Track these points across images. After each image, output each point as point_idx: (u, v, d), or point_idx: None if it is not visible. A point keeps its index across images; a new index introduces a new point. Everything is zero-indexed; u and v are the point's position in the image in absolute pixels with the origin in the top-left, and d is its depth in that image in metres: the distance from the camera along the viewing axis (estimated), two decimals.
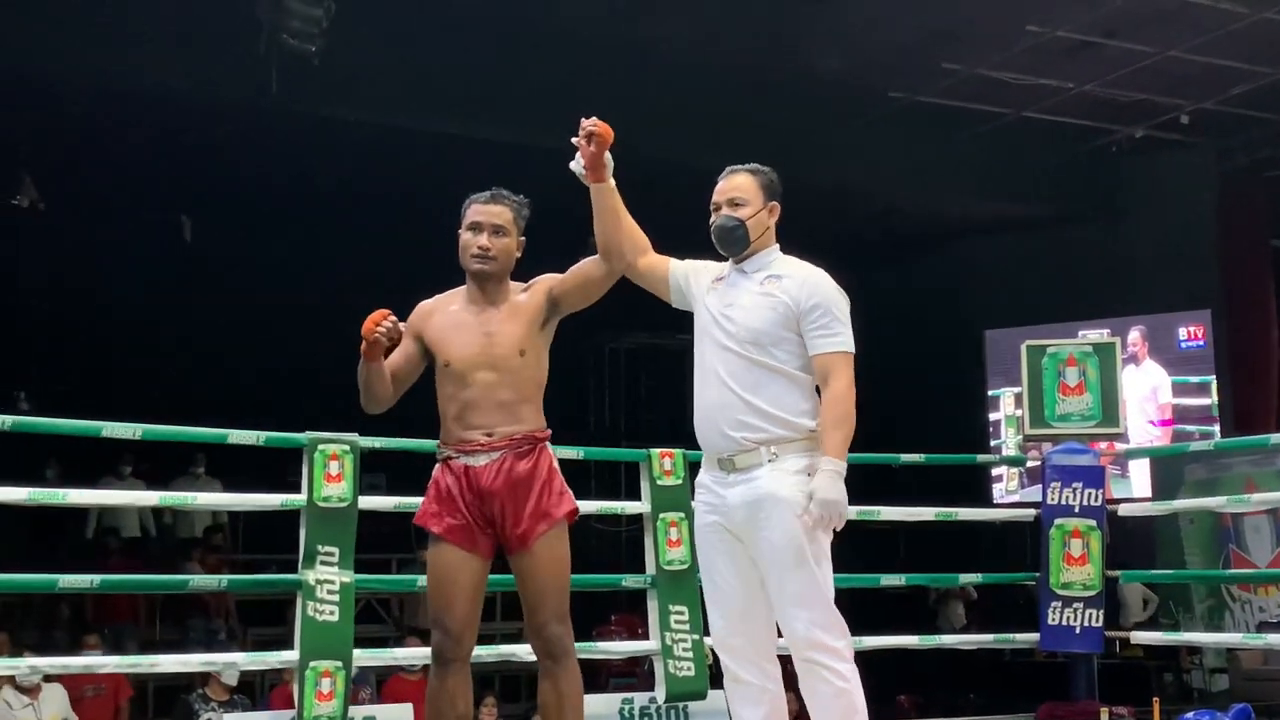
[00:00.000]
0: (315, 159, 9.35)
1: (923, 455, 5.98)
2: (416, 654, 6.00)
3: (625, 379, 13.58)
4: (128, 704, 8.02)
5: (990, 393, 11.11)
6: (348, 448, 4.56)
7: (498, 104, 8.96)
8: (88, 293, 10.89)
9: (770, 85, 9.41)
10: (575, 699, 3.39)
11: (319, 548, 4.48)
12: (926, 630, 8.02)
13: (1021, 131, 10.48)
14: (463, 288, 3.52)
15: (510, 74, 8.84)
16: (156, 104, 8.56)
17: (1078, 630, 5.68)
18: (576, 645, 3.46)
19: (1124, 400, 6.38)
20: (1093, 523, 5.73)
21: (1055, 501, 5.78)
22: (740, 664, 3.44)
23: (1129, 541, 7.67)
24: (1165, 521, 9.52)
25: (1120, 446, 6.41)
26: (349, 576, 4.50)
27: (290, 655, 4.54)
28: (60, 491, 4.68)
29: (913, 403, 10.91)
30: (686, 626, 4.94)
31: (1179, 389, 10.59)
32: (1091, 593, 5.67)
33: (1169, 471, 10.05)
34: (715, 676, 4.05)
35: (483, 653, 4.42)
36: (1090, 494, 5.75)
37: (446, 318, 3.48)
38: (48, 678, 6.89)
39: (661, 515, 5.03)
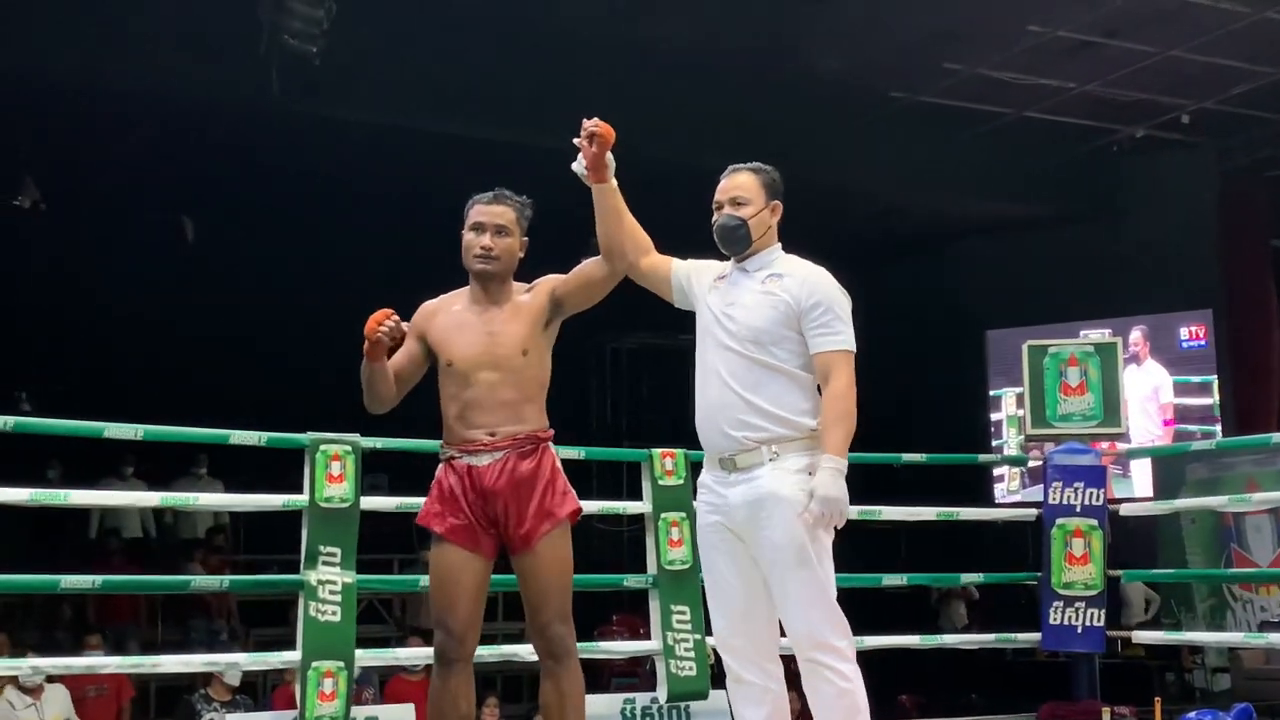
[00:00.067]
0: (316, 159, 9.35)
1: (924, 455, 5.99)
2: (418, 654, 6.01)
3: (627, 379, 13.58)
4: (130, 704, 8.02)
5: (992, 393, 11.11)
6: (349, 448, 4.56)
7: (498, 104, 8.96)
8: (89, 293, 10.89)
9: (771, 85, 9.41)
10: (577, 699, 3.39)
11: (321, 548, 4.48)
12: (928, 630, 8.01)
13: (1022, 131, 10.48)
14: (466, 288, 3.53)
15: (511, 74, 8.84)
16: (158, 104, 8.56)
17: (1079, 630, 5.68)
18: (578, 645, 3.47)
19: (1125, 400, 6.38)
20: (1094, 522, 5.73)
21: (1057, 501, 5.78)
22: (742, 664, 3.44)
23: (1131, 541, 7.68)
24: (1167, 521, 9.51)
25: (1122, 446, 6.41)
26: (351, 577, 4.50)
27: (292, 655, 4.54)
28: (62, 492, 4.69)
29: (914, 402, 10.92)
30: (688, 626, 4.94)
31: (1180, 389, 10.60)
32: (1093, 592, 5.67)
33: (1170, 471, 10.05)
34: (717, 676, 4.06)
35: (485, 653, 4.42)
36: (1092, 494, 5.75)
37: (449, 318, 3.49)
38: (50, 678, 6.90)
39: (663, 515, 5.03)
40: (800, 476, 3.30)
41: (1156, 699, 5.77)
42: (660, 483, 5.07)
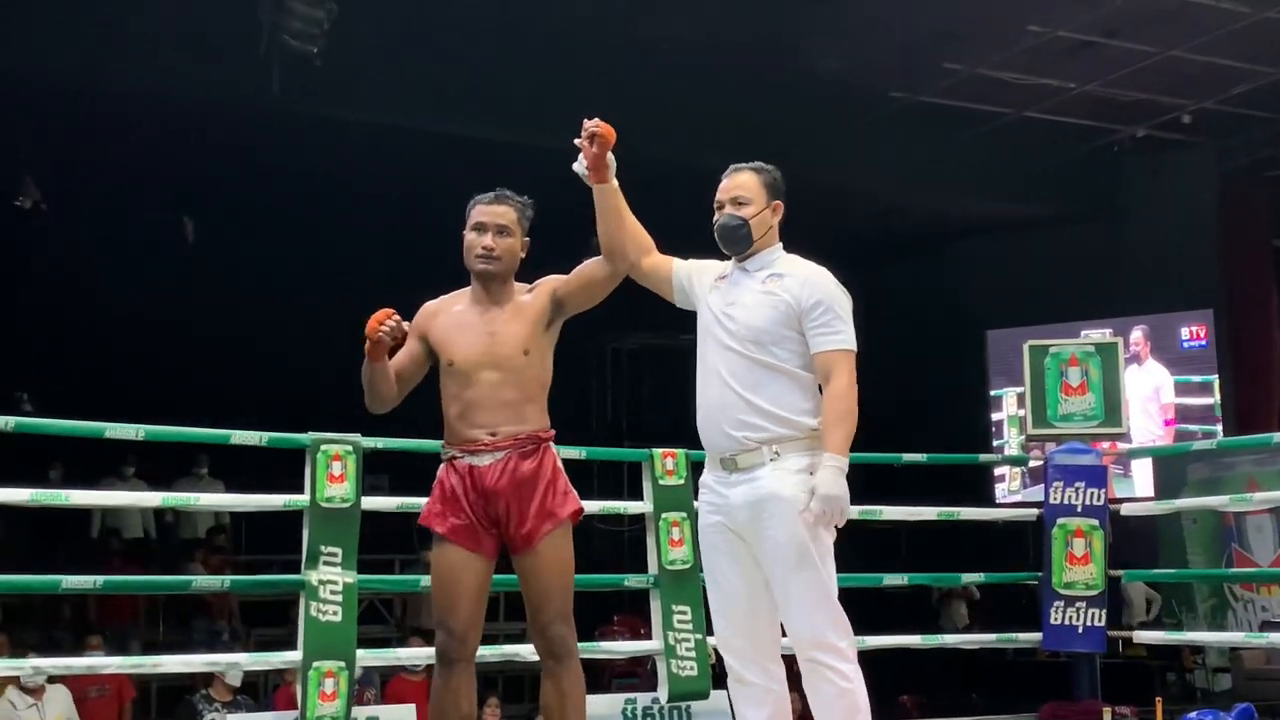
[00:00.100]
0: (317, 159, 9.35)
1: (925, 455, 5.99)
2: (419, 654, 6.01)
3: (628, 379, 13.59)
4: (131, 705, 8.02)
5: (992, 393, 11.11)
6: (350, 448, 4.56)
7: (499, 104, 8.96)
8: (90, 294, 10.89)
9: (771, 85, 9.41)
10: (578, 699, 3.40)
11: (322, 548, 4.49)
12: (929, 630, 8.01)
13: (1023, 131, 10.48)
14: (467, 288, 3.53)
15: (511, 74, 8.85)
16: (158, 105, 8.56)
17: (1080, 630, 5.68)
18: (579, 645, 3.47)
19: (1126, 400, 6.38)
20: (1095, 522, 5.73)
21: (1058, 501, 5.78)
22: (744, 664, 3.44)
23: (1132, 541, 7.67)
24: (1168, 521, 9.51)
25: (1123, 446, 6.41)
26: (352, 577, 4.50)
27: (293, 656, 4.55)
28: (63, 493, 4.69)
29: (915, 403, 10.92)
30: (689, 626, 4.95)
31: (1181, 388, 10.60)
32: (1094, 592, 5.67)
33: (1171, 471, 10.05)
34: (718, 676, 4.05)
35: (486, 653, 4.42)
36: (1093, 493, 5.75)
37: (451, 318, 3.49)
38: (52, 679, 6.90)
39: (664, 515, 5.04)
40: (801, 476, 3.30)
41: (1158, 699, 5.77)
42: (661, 482, 5.07)
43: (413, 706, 5.15)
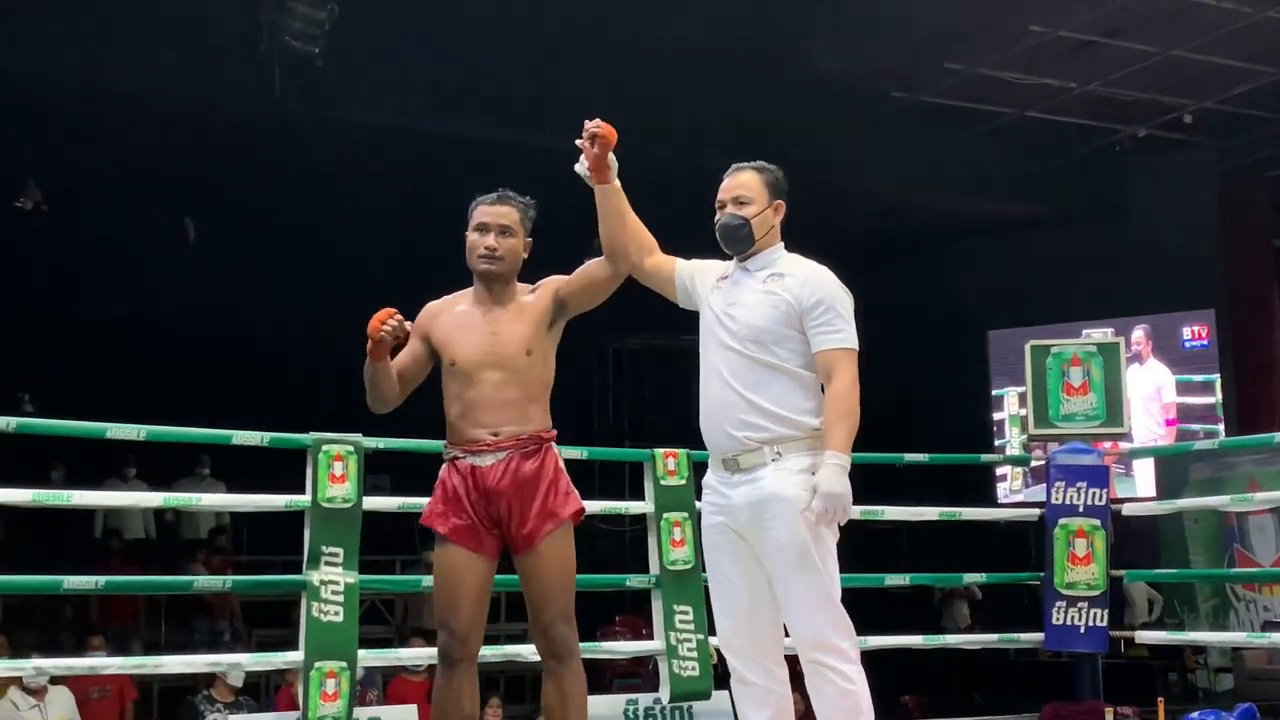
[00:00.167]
0: (318, 160, 9.35)
1: (927, 455, 5.98)
2: (421, 654, 6.01)
3: (629, 379, 13.59)
4: (133, 706, 8.02)
5: (994, 392, 11.11)
6: (352, 448, 4.56)
7: (500, 104, 8.97)
8: (91, 294, 10.90)
9: (773, 85, 9.41)
10: (579, 699, 3.39)
11: (323, 548, 4.49)
12: (931, 630, 8.01)
13: (1024, 131, 10.48)
14: (470, 289, 3.54)
15: (511, 74, 8.85)
16: (159, 105, 8.57)
17: (1082, 630, 5.68)
18: (581, 645, 3.46)
19: (1128, 400, 6.37)
20: (1097, 522, 5.73)
21: (1059, 501, 5.78)
22: (746, 665, 3.43)
23: (1133, 541, 7.67)
24: (1169, 521, 9.50)
25: (1124, 446, 6.41)
26: (353, 577, 4.50)
27: (295, 656, 4.55)
28: (64, 493, 4.69)
29: (917, 402, 10.91)
30: (691, 626, 4.95)
31: (1183, 388, 10.59)
32: (1096, 592, 5.67)
33: (1173, 471, 10.04)
34: (720, 676, 4.05)
35: (487, 653, 4.41)
36: (1094, 493, 5.75)
37: (453, 318, 3.49)
38: (53, 680, 6.90)
39: (665, 515, 5.04)
40: (803, 476, 3.29)
41: (1160, 699, 5.77)
42: (663, 483, 5.07)
43: (414, 707, 5.15)
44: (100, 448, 6.93)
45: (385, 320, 3.33)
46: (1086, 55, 9.20)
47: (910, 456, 5.85)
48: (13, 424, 4.39)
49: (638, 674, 8.09)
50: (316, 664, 4.41)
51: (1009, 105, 10.11)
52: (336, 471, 4.53)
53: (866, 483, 3.88)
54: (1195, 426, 10.39)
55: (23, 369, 10.89)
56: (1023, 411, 8.15)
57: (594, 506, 4.72)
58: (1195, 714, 5.29)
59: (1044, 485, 5.95)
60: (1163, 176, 11.08)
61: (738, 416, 3.35)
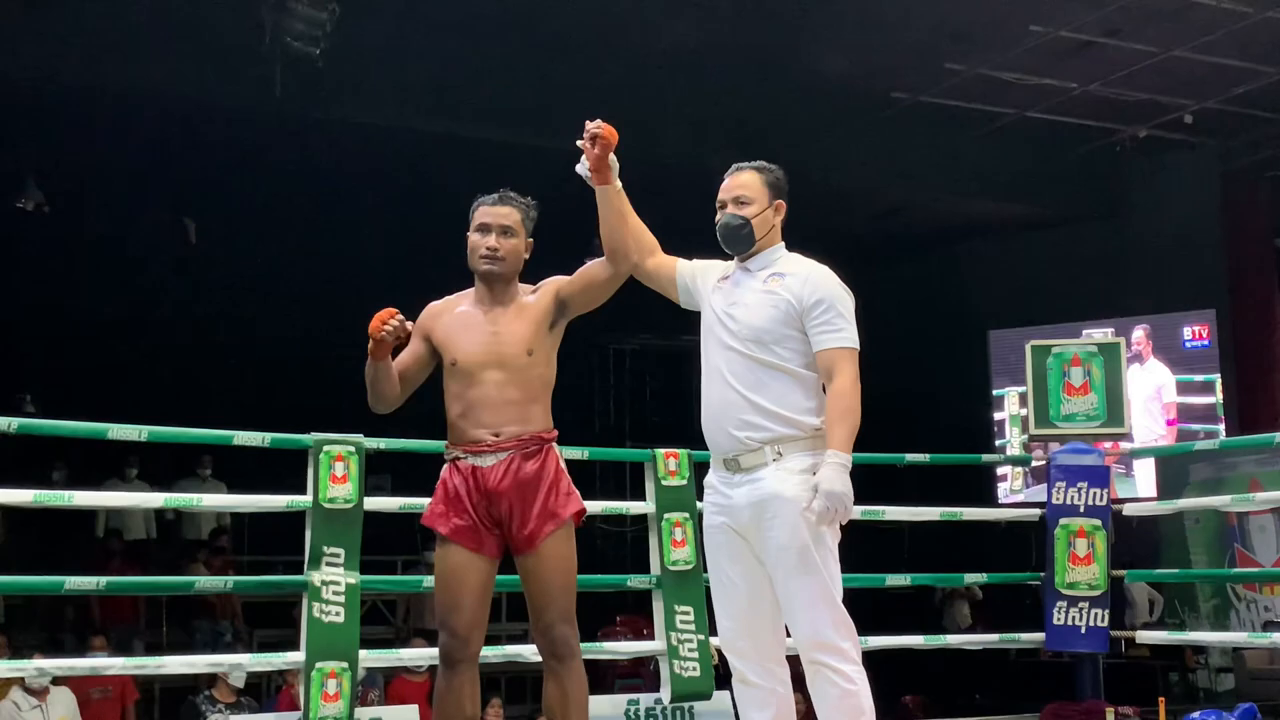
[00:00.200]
0: (320, 161, 9.36)
1: (928, 455, 5.98)
2: (422, 655, 6.01)
3: (630, 380, 13.61)
4: (134, 706, 8.03)
5: (995, 392, 11.10)
6: (353, 449, 4.57)
7: (501, 105, 8.97)
8: (93, 295, 10.91)
9: (773, 85, 9.41)
10: (580, 700, 3.40)
11: (324, 549, 4.49)
12: (932, 630, 8.00)
13: (1025, 131, 10.48)
14: (471, 289, 3.54)
15: (512, 75, 8.85)
16: (160, 106, 8.57)
17: (1083, 630, 5.68)
18: (582, 646, 3.47)
19: (1129, 400, 6.37)
20: (1098, 522, 5.74)
21: (1060, 501, 5.79)
22: (748, 666, 3.43)
23: (1134, 541, 7.67)
24: (1170, 521, 9.50)
25: (1125, 446, 6.42)
26: (354, 578, 4.51)
27: (296, 656, 4.55)
28: (65, 493, 4.70)
29: (917, 403, 10.91)
30: (692, 627, 4.95)
31: (1183, 388, 10.59)
32: (1097, 592, 5.68)
33: (1174, 471, 10.04)
34: (721, 677, 4.06)
35: (488, 653, 4.42)
36: (1095, 494, 5.76)
37: (455, 318, 3.50)
38: (55, 680, 6.90)
39: (666, 515, 5.04)
40: (804, 476, 3.29)
41: (1160, 699, 5.77)
42: (664, 483, 5.08)
43: (415, 707, 5.16)
44: (102, 448, 6.94)
45: (386, 320, 3.34)
46: (1087, 55, 9.19)
47: (911, 457, 5.86)
48: (14, 424, 4.40)
49: (639, 674, 8.09)
50: (318, 664, 4.41)
51: (1009, 106, 10.11)
52: (338, 472, 4.53)
53: (867, 483, 3.87)
54: (1196, 426, 10.38)
55: (24, 369, 10.90)
56: (1023, 411, 8.15)
57: (595, 507, 4.72)
58: (1196, 714, 5.30)
59: (1045, 485, 5.95)
60: (1163, 177, 11.07)
61: (739, 416, 3.35)
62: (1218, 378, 10.46)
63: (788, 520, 3.28)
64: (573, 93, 8.37)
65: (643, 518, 5.19)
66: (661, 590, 5.01)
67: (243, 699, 7.35)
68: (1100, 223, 11.52)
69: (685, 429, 4.10)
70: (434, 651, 3.46)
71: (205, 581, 6.86)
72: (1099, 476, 5.78)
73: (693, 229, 3.91)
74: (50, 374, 10.93)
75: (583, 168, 3.42)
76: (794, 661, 3.45)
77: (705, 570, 3.59)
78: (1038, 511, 6.08)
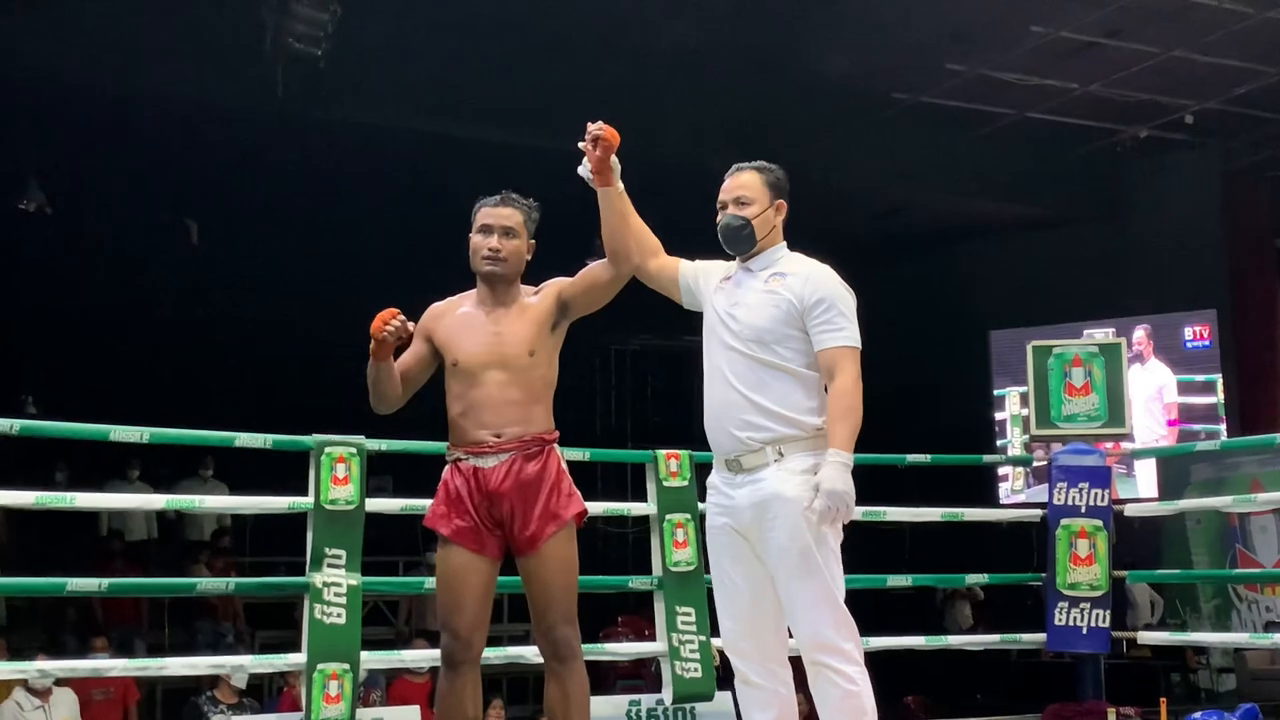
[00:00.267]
0: (321, 161, 9.36)
1: (929, 455, 5.98)
2: (424, 656, 6.01)
3: (632, 381, 13.61)
4: (136, 707, 8.03)
5: (996, 392, 11.09)
6: (354, 450, 4.57)
7: (503, 106, 8.97)
8: (95, 296, 10.91)
9: (773, 86, 9.42)
10: (582, 701, 3.40)
11: (326, 550, 4.49)
12: (933, 631, 8.01)
13: (1025, 132, 10.48)
14: (473, 290, 3.55)
15: (513, 75, 8.85)
16: (162, 107, 8.57)
17: (1084, 631, 5.68)
18: (584, 647, 3.47)
19: (1130, 400, 6.37)
20: (1099, 523, 5.74)
21: (1062, 502, 5.79)
22: (750, 667, 3.43)
23: (1135, 542, 7.67)
24: (1171, 521, 9.51)
25: (1126, 446, 6.42)
26: (356, 579, 4.51)
27: (298, 658, 4.55)
28: (67, 495, 4.70)
29: (918, 403, 10.91)
30: (693, 628, 4.95)
31: (1184, 388, 10.58)
32: (1098, 593, 5.68)
33: (1175, 471, 10.04)
34: (722, 678, 4.06)
35: (490, 655, 4.42)
36: (1096, 494, 5.75)
37: (456, 319, 3.50)
38: (57, 681, 6.91)
39: (668, 516, 5.04)
40: (806, 477, 3.29)
41: (1162, 700, 5.77)
42: (665, 484, 5.08)
43: (417, 708, 5.16)
44: (103, 449, 6.95)
45: (388, 320, 3.34)
46: (1087, 56, 9.19)
47: (912, 457, 5.86)
48: (16, 426, 4.40)
49: (640, 675, 8.09)
50: (319, 665, 4.41)
51: (1010, 106, 10.11)
52: (339, 473, 4.53)
53: (868, 484, 3.87)
54: (1197, 427, 10.38)
55: (26, 371, 10.91)
56: (1024, 412, 8.15)
57: (596, 508, 4.72)
58: (1198, 714, 5.30)
59: (1046, 486, 5.95)
60: (1164, 177, 11.07)
61: (740, 417, 3.35)
62: (1219, 378, 10.46)
63: (789, 521, 3.28)
64: (573, 93, 8.37)
65: (644, 519, 5.19)
66: (663, 591, 5.01)
67: (245, 700, 7.35)
68: (1101, 223, 11.52)
69: (687, 430, 4.10)
70: (436, 653, 3.46)
71: (207, 583, 6.87)
72: (1100, 477, 5.78)
73: (693, 229, 3.91)
74: (51, 374, 10.94)
75: (584, 170, 3.43)
76: (796, 662, 3.45)
77: (707, 571, 3.59)
78: (1039, 512, 6.08)
